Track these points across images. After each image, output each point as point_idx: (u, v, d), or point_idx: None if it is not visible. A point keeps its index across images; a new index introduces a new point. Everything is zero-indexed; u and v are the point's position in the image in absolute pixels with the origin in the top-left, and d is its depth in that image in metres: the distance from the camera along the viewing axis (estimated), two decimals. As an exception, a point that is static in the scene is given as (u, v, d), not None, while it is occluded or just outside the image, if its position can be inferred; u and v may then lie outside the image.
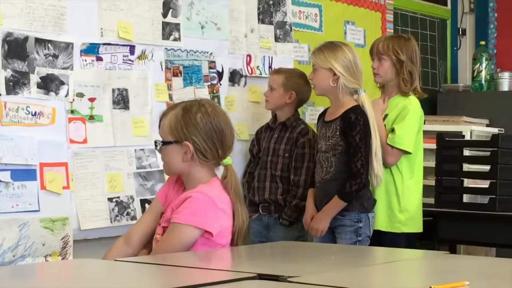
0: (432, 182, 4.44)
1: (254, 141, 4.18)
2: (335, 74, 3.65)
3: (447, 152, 4.36)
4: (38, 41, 3.44)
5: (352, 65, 3.65)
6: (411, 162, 3.87)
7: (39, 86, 3.44)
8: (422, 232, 3.96)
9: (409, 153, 3.82)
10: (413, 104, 3.87)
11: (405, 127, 3.81)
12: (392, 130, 3.82)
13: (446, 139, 4.37)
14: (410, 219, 3.87)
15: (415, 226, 3.91)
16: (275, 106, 4.08)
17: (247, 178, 4.15)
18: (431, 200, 4.40)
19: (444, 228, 4.26)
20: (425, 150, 4.90)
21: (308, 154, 3.99)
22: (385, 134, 3.79)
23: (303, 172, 3.98)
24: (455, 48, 5.95)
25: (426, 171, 4.80)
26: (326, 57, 3.66)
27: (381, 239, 3.78)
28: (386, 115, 3.87)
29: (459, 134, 4.75)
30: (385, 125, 3.83)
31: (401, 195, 3.84)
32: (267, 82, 4.17)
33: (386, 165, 3.80)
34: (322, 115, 3.83)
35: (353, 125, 3.62)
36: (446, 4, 5.89)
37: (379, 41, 3.99)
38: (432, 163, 4.48)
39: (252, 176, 4.13)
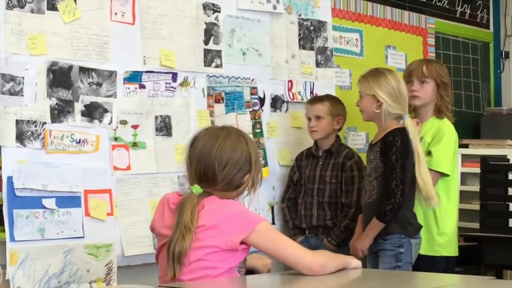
0: (476, 206, 4.39)
1: (294, 168, 4.18)
2: (378, 101, 3.67)
3: (491, 176, 4.31)
4: (82, 69, 3.49)
5: (395, 92, 3.67)
6: (447, 185, 3.86)
7: (83, 114, 3.48)
8: (461, 257, 3.94)
9: (446, 175, 3.80)
10: (447, 126, 3.88)
11: (441, 149, 3.81)
12: (429, 153, 3.81)
13: (491, 163, 4.32)
14: (449, 242, 3.87)
15: (453, 249, 3.91)
16: (324, 134, 4.09)
17: (287, 204, 4.15)
18: (476, 225, 4.34)
19: (490, 253, 4.20)
20: (469, 174, 4.87)
21: (357, 176, 4.02)
22: None
23: (354, 193, 4.00)
24: (498, 71, 5.90)
25: (470, 195, 4.76)
26: (369, 84, 3.69)
27: (419, 263, 3.74)
28: (421, 138, 3.85)
29: (504, 158, 4.70)
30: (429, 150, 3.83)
31: (440, 218, 3.83)
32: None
33: None
34: (372, 140, 3.85)
35: (389, 146, 3.62)
36: (488, 28, 5.85)
37: (421, 64, 3.99)
38: (476, 187, 4.44)
39: (294, 201, 4.15)
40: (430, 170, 3.76)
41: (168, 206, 2.68)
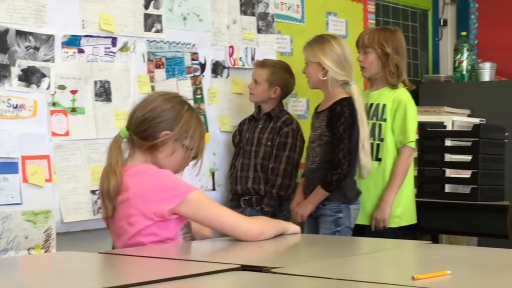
0: (414, 172, 4.45)
1: (236, 132, 4.19)
2: (324, 68, 3.68)
3: (429, 143, 4.38)
4: (19, 33, 3.42)
5: (340, 59, 3.68)
6: None
7: (20, 78, 3.42)
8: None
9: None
10: (405, 97, 3.89)
11: (410, 124, 3.86)
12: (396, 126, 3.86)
13: (428, 129, 4.39)
14: (405, 212, 3.91)
15: (410, 218, 3.96)
16: (259, 99, 4.09)
17: (233, 171, 4.15)
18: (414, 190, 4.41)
19: (426, 218, 4.28)
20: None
21: (290, 144, 4.01)
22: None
23: (282, 161, 3.99)
24: (436, 39, 5.97)
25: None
26: (314, 52, 3.70)
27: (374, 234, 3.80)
28: (384, 105, 3.88)
29: (441, 125, 4.78)
30: (385, 118, 3.86)
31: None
32: (250, 74, 4.18)
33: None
34: (317, 106, 3.86)
35: (338, 116, 3.65)
36: (427, -5, 5.91)
37: (364, 34, 4.00)
38: (414, 154, 4.50)
39: (235, 167, 4.14)
40: (404, 146, 3.82)
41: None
